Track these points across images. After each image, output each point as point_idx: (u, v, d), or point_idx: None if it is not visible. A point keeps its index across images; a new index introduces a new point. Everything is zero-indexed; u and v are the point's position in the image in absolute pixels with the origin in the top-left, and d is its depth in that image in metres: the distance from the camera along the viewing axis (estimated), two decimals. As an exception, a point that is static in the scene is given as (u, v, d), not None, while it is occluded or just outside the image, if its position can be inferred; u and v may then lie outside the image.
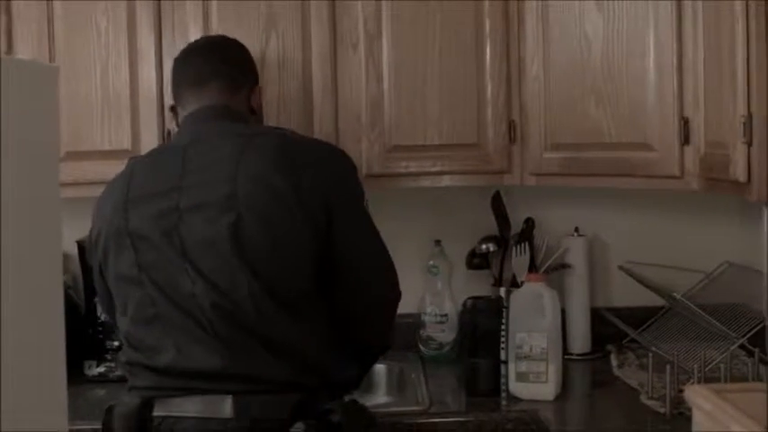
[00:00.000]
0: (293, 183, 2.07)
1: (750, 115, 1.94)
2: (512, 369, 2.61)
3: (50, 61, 2.73)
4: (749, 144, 1.95)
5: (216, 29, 2.73)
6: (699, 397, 1.34)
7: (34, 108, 1.18)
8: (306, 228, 2.08)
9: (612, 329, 2.98)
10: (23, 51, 2.72)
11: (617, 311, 3.02)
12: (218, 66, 2.36)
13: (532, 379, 2.56)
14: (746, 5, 1.94)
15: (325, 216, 2.10)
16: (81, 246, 2.98)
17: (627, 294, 3.05)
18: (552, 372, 2.56)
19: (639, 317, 2.97)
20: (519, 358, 2.58)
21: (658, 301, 2.92)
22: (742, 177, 1.98)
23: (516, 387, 2.60)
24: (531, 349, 2.56)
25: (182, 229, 2.09)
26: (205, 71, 2.35)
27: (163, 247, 2.10)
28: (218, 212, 2.06)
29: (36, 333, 1.25)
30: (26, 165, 1.17)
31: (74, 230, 2.97)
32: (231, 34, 2.73)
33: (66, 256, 3.05)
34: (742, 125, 1.96)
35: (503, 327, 2.76)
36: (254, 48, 2.72)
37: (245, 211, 2.05)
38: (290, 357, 2.07)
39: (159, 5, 2.74)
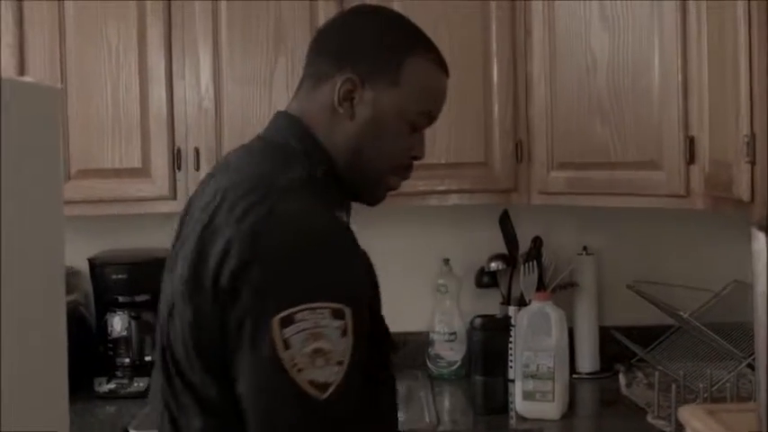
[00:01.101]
0: (213, 271, 1.44)
1: (753, 135, 1.93)
2: (518, 387, 2.61)
3: (62, 79, 2.76)
4: (752, 163, 1.94)
5: (225, 47, 2.78)
6: (692, 417, 1.34)
7: (36, 129, 1.20)
8: (216, 331, 1.45)
9: (622, 348, 2.97)
10: (35, 69, 2.76)
11: (626, 330, 3.01)
12: (311, 61, 1.70)
13: (539, 398, 2.57)
14: (749, 26, 1.94)
15: (223, 324, 1.45)
16: (92, 263, 3.00)
17: (636, 313, 3.04)
18: (559, 390, 2.56)
19: (649, 336, 2.97)
20: (526, 377, 2.58)
21: (668, 319, 2.91)
22: (745, 197, 1.97)
23: (523, 406, 2.60)
24: (537, 368, 2.57)
25: (173, 279, 1.58)
26: (305, 70, 1.72)
27: (166, 288, 1.62)
28: (179, 276, 1.54)
29: (38, 352, 1.26)
30: (28, 186, 1.19)
31: (85, 248, 3.01)
32: (240, 53, 2.78)
33: (77, 274, 3.08)
34: (745, 144, 1.96)
35: (510, 345, 2.78)
36: (262, 67, 2.76)
37: (179, 286, 1.52)
38: None
39: (169, 24, 2.78)
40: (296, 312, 1.36)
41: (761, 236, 1.18)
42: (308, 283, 1.39)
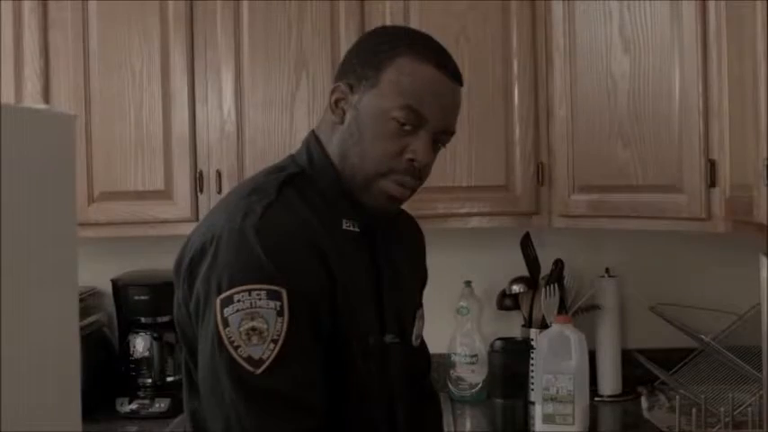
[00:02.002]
0: (186, 258, 1.61)
1: (772, 158, 1.93)
2: (538, 410, 2.60)
3: (86, 103, 2.80)
4: (772, 187, 1.94)
5: (247, 71, 2.80)
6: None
7: (47, 154, 1.21)
8: (187, 315, 1.62)
9: (644, 371, 2.95)
10: (60, 95, 2.80)
11: (649, 353, 2.99)
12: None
13: (559, 421, 2.56)
14: (768, 49, 1.93)
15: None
16: (115, 284, 3.02)
17: (659, 336, 3.02)
18: (578, 413, 2.56)
19: (672, 358, 2.94)
20: (546, 400, 2.58)
21: (691, 342, 2.89)
22: (765, 220, 1.96)
23: (543, 428, 2.59)
24: (557, 391, 2.56)
25: None
26: None
27: None
28: None
29: (51, 375, 1.28)
30: (38, 209, 1.20)
31: (108, 269, 3.04)
32: (262, 77, 2.81)
33: (100, 294, 3.11)
34: (765, 168, 1.94)
35: (531, 368, 2.77)
36: (284, 90, 2.79)
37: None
38: None
39: (192, 49, 2.81)
40: (234, 293, 1.49)
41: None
42: (247, 267, 1.50)
